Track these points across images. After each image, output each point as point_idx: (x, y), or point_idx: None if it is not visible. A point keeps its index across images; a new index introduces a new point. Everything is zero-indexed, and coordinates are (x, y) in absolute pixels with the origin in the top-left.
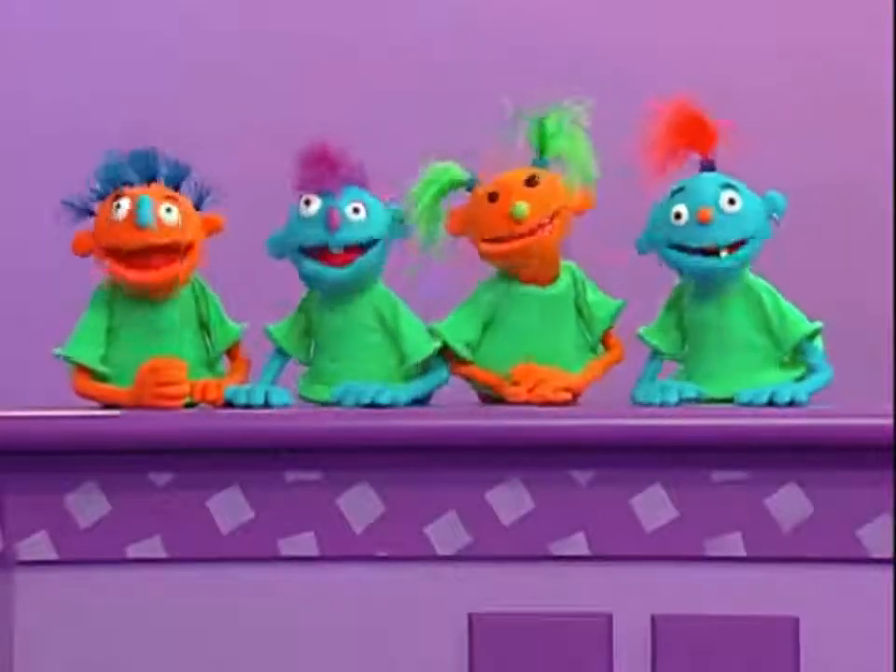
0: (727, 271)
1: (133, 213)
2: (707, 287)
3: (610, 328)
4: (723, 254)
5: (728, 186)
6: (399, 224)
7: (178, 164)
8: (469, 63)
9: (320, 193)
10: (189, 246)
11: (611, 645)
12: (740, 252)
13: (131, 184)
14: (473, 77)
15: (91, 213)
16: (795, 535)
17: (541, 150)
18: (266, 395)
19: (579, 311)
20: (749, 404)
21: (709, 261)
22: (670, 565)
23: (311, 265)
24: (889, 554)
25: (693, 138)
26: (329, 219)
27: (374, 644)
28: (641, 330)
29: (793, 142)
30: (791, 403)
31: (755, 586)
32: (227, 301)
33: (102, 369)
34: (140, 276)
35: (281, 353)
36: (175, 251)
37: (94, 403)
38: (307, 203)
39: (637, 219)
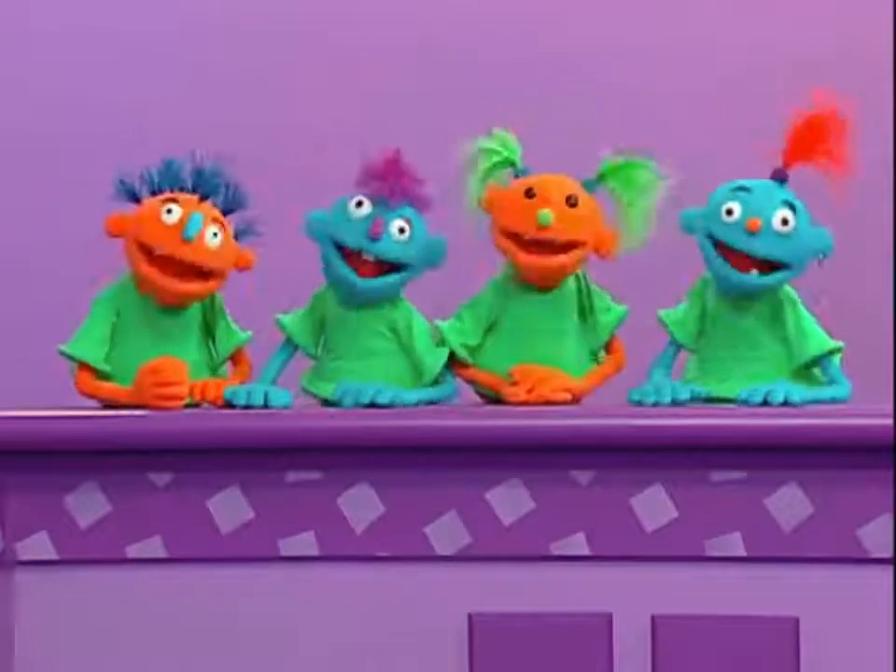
0: (754, 289)
1: (182, 224)
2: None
3: (614, 334)
4: (753, 272)
5: (789, 205)
6: (436, 254)
7: (238, 191)
8: (468, 63)
9: (374, 199)
10: (218, 273)
11: (611, 645)
12: (771, 277)
13: (185, 190)
14: (473, 77)
15: (138, 201)
16: (795, 535)
17: (601, 176)
18: (266, 396)
19: (582, 315)
20: (744, 402)
21: (739, 277)
22: (670, 565)
23: (341, 267)
24: (889, 554)
25: (802, 144)
26: (372, 226)
27: (374, 644)
28: (661, 313)
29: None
30: (785, 403)
31: (755, 586)
32: (231, 304)
33: (105, 368)
34: (162, 281)
35: (289, 344)
36: (204, 273)
37: (94, 403)
38: (359, 204)
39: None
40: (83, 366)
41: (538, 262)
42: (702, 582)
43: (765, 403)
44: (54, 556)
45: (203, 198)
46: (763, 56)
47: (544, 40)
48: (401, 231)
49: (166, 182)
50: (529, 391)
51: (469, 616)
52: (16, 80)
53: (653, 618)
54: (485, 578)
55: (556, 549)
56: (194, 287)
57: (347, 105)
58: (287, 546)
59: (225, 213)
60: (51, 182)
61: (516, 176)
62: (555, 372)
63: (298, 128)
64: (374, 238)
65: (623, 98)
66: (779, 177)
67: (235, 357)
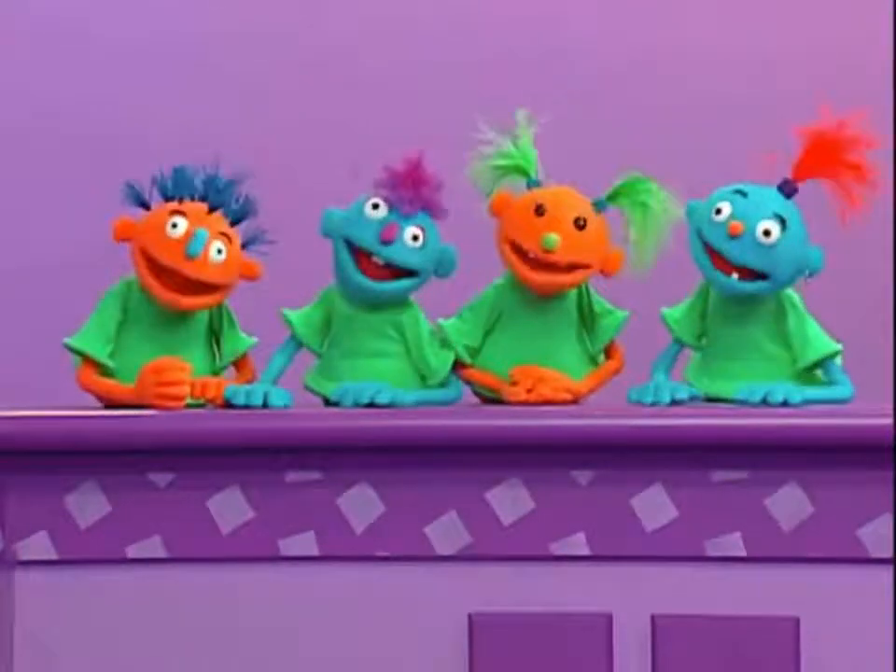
0: (732, 293)
1: (186, 240)
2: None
3: (614, 338)
4: (734, 275)
5: (779, 218)
6: (446, 264)
7: (248, 202)
8: (469, 62)
9: (390, 203)
10: (222, 287)
11: (611, 645)
12: (750, 284)
13: (196, 198)
14: (473, 76)
15: (147, 206)
16: (795, 535)
17: (612, 197)
18: (265, 396)
19: (582, 319)
20: (743, 402)
21: (721, 279)
22: (670, 565)
23: (351, 268)
24: (889, 554)
25: (819, 158)
26: (385, 230)
27: (374, 644)
28: (665, 311)
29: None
30: (784, 403)
31: (755, 586)
32: (236, 306)
33: (109, 363)
34: (165, 295)
35: (294, 340)
36: (207, 288)
37: (94, 402)
38: (375, 206)
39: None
40: (86, 360)
41: (539, 280)
42: (702, 582)
43: (764, 403)
44: (54, 556)
45: (213, 209)
46: (763, 58)
47: (545, 40)
48: (415, 238)
49: (177, 189)
50: (529, 391)
51: (469, 616)
52: (17, 81)
53: (653, 618)
54: (485, 578)
55: (556, 549)
56: (197, 300)
57: (349, 105)
58: (287, 546)
59: (234, 223)
60: (50, 181)
61: (528, 186)
62: (555, 373)
63: (300, 129)
64: (387, 242)
65: (626, 101)
66: (786, 189)
67: (239, 363)
